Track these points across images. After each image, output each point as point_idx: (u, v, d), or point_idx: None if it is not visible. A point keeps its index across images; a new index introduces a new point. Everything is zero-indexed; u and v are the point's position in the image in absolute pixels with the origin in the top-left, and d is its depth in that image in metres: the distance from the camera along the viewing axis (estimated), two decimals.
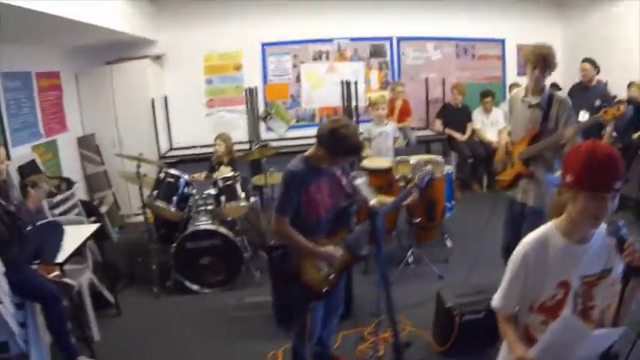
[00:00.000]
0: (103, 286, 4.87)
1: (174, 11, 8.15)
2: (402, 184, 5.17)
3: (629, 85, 7.05)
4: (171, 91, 8.37)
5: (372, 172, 5.44)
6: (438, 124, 8.57)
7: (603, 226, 1.95)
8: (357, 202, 3.14)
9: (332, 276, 3.19)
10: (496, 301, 2.20)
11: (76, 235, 4.27)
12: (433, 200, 5.38)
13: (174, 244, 5.20)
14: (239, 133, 8.28)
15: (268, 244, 4.47)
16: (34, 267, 3.68)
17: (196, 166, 6.79)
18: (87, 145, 7.48)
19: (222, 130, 6.72)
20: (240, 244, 5.40)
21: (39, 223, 4.18)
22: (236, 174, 5.54)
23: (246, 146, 7.99)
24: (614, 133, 6.34)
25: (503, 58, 9.26)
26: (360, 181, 2.70)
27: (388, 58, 8.96)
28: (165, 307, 5.09)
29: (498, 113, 8.28)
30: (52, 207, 5.17)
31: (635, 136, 6.57)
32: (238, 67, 8.57)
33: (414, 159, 5.64)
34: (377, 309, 2.51)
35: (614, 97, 6.98)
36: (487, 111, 8.37)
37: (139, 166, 5.24)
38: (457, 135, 8.36)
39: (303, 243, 3.07)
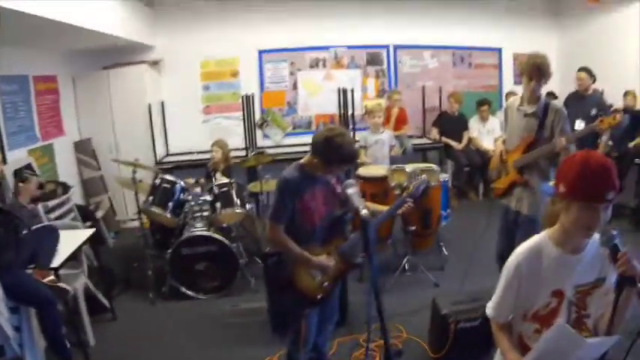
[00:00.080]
0: (98, 291, 4.87)
1: (172, 17, 8.17)
2: (397, 192, 5.17)
3: (625, 94, 7.10)
4: (168, 97, 8.38)
5: (368, 180, 5.46)
6: (435, 133, 8.59)
7: (597, 236, 1.95)
8: (351, 211, 3.14)
9: (326, 283, 3.19)
10: (490, 309, 2.20)
11: (71, 239, 4.27)
12: (429, 208, 5.39)
13: (169, 250, 5.19)
14: (235, 139, 8.27)
15: (264, 251, 4.48)
16: (29, 271, 3.67)
17: (192, 172, 6.79)
18: (83, 149, 7.49)
19: (218, 137, 6.73)
20: (236, 250, 5.39)
21: (34, 227, 4.18)
22: (232, 181, 5.55)
23: (243, 153, 7.99)
24: (610, 142, 6.39)
25: (499, 66, 9.31)
26: (352, 191, 2.70)
27: (385, 66, 8.99)
28: (160, 313, 5.08)
29: (495, 122, 8.32)
30: (48, 211, 5.16)
31: (631, 144, 6.61)
32: (235, 74, 8.59)
33: (409, 167, 5.65)
34: (367, 317, 2.50)
35: (610, 106, 7.01)
36: (483, 119, 8.40)
37: (134, 172, 5.24)
38: (453, 143, 8.38)
39: (297, 251, 3.08)
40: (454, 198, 7.87)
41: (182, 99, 8.43)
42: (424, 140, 8.81)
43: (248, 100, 8.35)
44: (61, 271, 3.96)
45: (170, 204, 5.35)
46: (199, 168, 6.78)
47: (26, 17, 3.82)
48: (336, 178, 3.23)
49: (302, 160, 3.15)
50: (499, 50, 9.25)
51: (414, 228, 5.36)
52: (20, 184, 3.57)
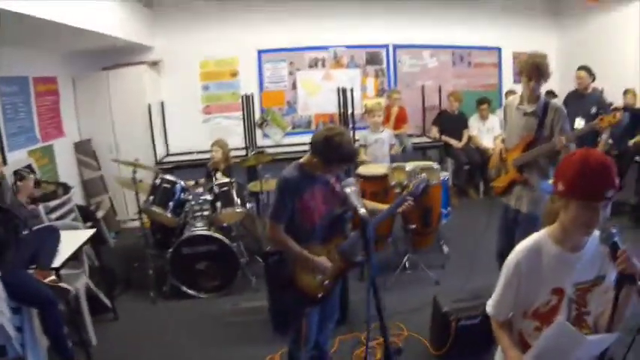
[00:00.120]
0: (99, 291, 4.88)
1: (171, 17, 8.18)
2: (397, 190, 5.19)
3: (625, 92, 7.11)
4: (168, 97, 8.39)
5: (368, 179, 5.47)
6: (435, 131, 8.60)
7: (597, 233, 1.94)
8: (350, 210, 3.15)
9: (327, 282, 3.20)
10: (490, 307, 2.21)
11: (72, 239, 4.28)
12: (429, 207, 5.39)
13: (170, 250, 5.20)
14: (235, 139, 8.29)
15: (264, 250, 4.49)
16: (30, 272, 3.68)
17: (193, 172, 6.81)
18: (84, 150, 7.50)
19: (218, 137, 6.74)
20: (237, 249, 5.41)
21: (35, 227, 4.19)
22: (232, 180, 5.56)
23: (243, 153, 8.00)
24: (610, 140, 6.39)
25: (499, 65, 9.31)
26: (350, 190, 2.71)
27: (384, 65, 9.00)
28: (161, 312, 5.09)
29: (494, 120, 8.34)
30: (49, 212, 5.18)
31: (631, 142, 6.61)
32: (234, 74, 8.61)
33: (409, 166, 5.65)
34: (366, 315, 2.50)
35: (610, 104, 7.02)
36: (483, 118, 8.42)
37: (134, 172, 5.26)
38: (453, 142, 8.39)
39: (297, 250, 3.08)
40: (454, 196, 7.88)
41: (182, 99, 8.44)
42: (424, 139, 8.82)
43: (248, 100, 8.36)
44: (63, 271, 3.97)
45: (170, 204, 5.35)
46: (199, 168, 6.78)
47: (26, 18, 3.84)
48: (336, 177, 3.24)
49: (301, 160, 3.16)
50: (498, 49, 9.25)
51: (414, 226, 5.37)
52: (18, 183, 3.58)
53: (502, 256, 2.15)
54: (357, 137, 7.01)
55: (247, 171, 7.22)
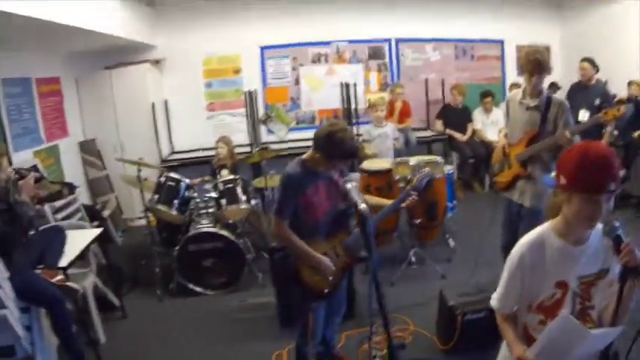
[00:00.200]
0: (107, 289, 4.91)
1: (173, 16, 8.18)
2: (402, 185, 5.19)
3: (629, 83, 7.07)
4: (171, 95, 8.41)
5: (373, 174, 5.47)
6: (439, 125, 8.59)
7: (600, 226, 1.94)
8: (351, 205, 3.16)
9: (332, 277, 3.21)
10: (494, 300, 2.21)
11: (79, 239, 4.31)
12: (434, 201, 5.39)
13: (176, 247, 5.23)
14: (240, 136, 8.32)
15: (270, 246, 4.51)
16: (38, 271, 3.71)
17: (198, 169, 6.82)
18: (88, 149, 7.53)
19: (222, 134, 6.76)
20: (243, 246, 5.42)
21: (41, 228, 4.22)
22: (237, 177, 5.58)
23: (248, 149, 8.01)
24: (615, 132, 6.37)
25: (502, 58, 9.28)
26: (351, 185, 2.71)
27: (387, 59, 8.99)
28: (168, 310, 5.12)
29: (498, 113, 8.30)
30: (55, 212, 5.20)
31: (636, 134, 6.59)
32: (237, 71, 8.61)
33: (413, 160, 5.66)
34: (369, 311, 2.51)
35: (614, 95, 7.00)
36: (487, 111, 8.39)
37: (139, 170, 5.28)
38: (458, 135, 8.37)
39: (301, 246, 3.10)
40: (460, 190, 7.88)
41: (185, 97, 8.46)
42: (428, 133, 8.81)
43: (251, 97, 8.37)
44: (70, 271, 3.99)
45: (176, 201, 5.38)
46: (204, 165, 6.80)
47: (27, 20, 3.84)
48: (340, 173, 3.25)
49: (304, 156, 3.17)
50: (501, 42, 9.21)
51: (419, 220, 5.36)
52: (19, 182, 3.60)
53: (506, 250, 2.15)
54: (360, 132, 7.02)
55: (252, 167, 7.24)
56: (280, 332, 4.36)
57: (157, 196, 5.38)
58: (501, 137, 4.39)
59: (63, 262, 3.87)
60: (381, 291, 2.23)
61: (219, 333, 4.57)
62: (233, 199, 5.42)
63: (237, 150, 6.70)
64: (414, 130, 8.37)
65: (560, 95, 6.66)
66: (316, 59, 8.80)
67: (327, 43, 8.77)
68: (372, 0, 8.56)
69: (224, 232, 5.28)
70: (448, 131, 8.45)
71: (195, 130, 8.44)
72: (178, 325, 4.78)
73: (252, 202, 5.64)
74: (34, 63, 6.32)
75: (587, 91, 6.63)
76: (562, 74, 8.34)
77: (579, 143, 1.98)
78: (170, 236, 5.73)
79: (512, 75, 9.15)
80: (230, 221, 5.61)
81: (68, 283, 3.76)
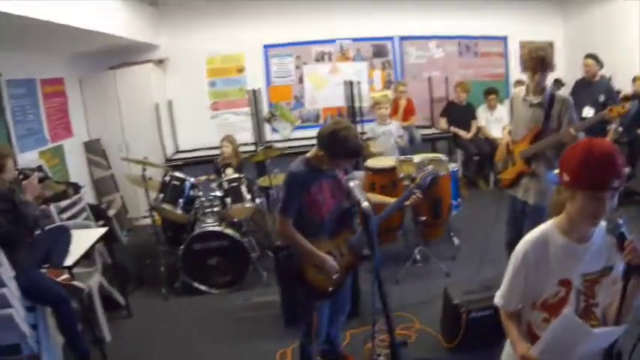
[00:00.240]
0: (113, 288, 4.94)
1: (176, 15, 8.19)
2: (406, 183, 5.19)
3: (634, 79, 7.04)
4: (176, 95, 8.42)
5: (377, 172, 5.47)
6: (443, 123, 8.57)
7: (604, 223, 1.93)
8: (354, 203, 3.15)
9: (336, 275, 3.21)
10: (498, 298, 2.20)
11: (84, 238, 4.33)
12: (438, 198, 5.39)
13: (181, 246, 5.25)
14: (244, 134, 8.33)
15: (275, 245, 4.51)
16: (43, 271, 3.73)
17: (202, 168, 6.83)
18: (93, 149, 7.55)
19: (227, 132, 6.77)
20: (248, 244, 5.44)
21: (47, 227, 4.24)
22: (241, 175, 5.59)
23: (252, 148, 8.02)
24: (620, 129, 6.34)
25: (505, 55, 9.24)
26: (354, 183, 2.71)
27: (391, 57, 8.97)
28: (174, 308, 5.14)
29: (502, 110, 8.28)
30: (60, 211, 5.22)
31: None
32: (241, 70, 8.62)
33: (417, 158, 5.66)
34: (372, 309, 2.51)
35: (618, 91, 6.98)
36: (491, 108, 8.37)
37: (144, 170, 5.29)
38: (462, 133, 8.36)
39: (305, 245, 3.10)
40: (464, 187, 7.87)
41: (189, 96, 8.47)
42: (433, 130, 8.78)
43: (255, 95, 8.38)
44: (76, 270, 4.02)
45: (180, 200, 5.39)
46: (209, 164, 6.81)
47: (31, 22, 3.85)
48: (344, 171, 3.25)
49: (308, 154, 3.17)
50: (504, 39, 9.17)
51: (424, 218, 5.36)
52: (23, 182, 3.62)
53: (511, 247, 2.15)
54: (365, 130, 7.01)
55: (256, 166, 7.25)
56: (285, 331, 4.37)
57: (161, 195, 5.39)
58: (505, 134, 4.39)
59: (68, 262, 3.90)
60: (384, 289, 2.22)
61: (224, 331, 4.59)
62: (238, 197, 5.43)
63: (242, 149, 6.71)
64: (418, 127, 8.36)
65: (565, 92, 6.63)
66: (320, 57, 8.80)
67: (331, 42, 8.76)
68: None
69: (229, 231, 5.29)
70: (452, 129, 8.43)
71: (200, 130, 8.46)
72: (183, 324, 4.79)
73: (257, 200, 5.65)
74: (38, 64, 6.34)
75: (592, 87, 6.61)
76: (566, 71, 8.32)
77: (583, 140, 1.97)
78: (175, 235, 5.74)
79: (515, 72, 9.10)
80: (235, 220, 5.63)
81: (73, 282, 3.78)
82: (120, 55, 7.68)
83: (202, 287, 5.33)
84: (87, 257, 4.41)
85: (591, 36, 8.30)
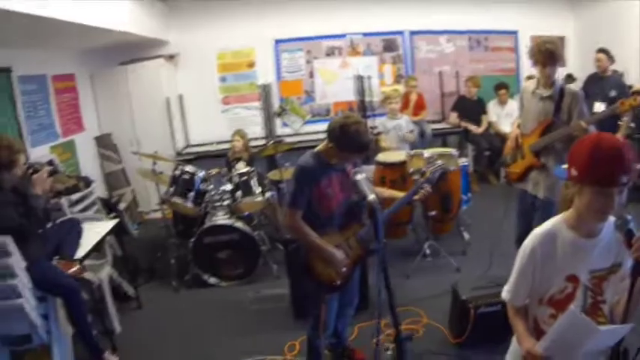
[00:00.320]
0: (123, 281, 4.98)
1: (186, 11, 8.20)
2: (416, 177, 5.18)
3: None
4: (186, 90, 8.45)
5: (387, 166, 5.47)
6: (454, 117, 8.53)
7: (613, 219, 1.91)
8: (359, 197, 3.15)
9: (345, 269, 3.22)
10: (506, 292, 2.19)
11: (95, 231, 4.38)
12: (448, 193, 5.38)
13: (192, 239, 5.27)
14: (255, 129, 8.36)
15: (285, 238, 4.53)
16: (54, 262, 3.77)
17: (213, 162, 6.86)
18: (105, 144, 7.60)
19: (238, 127, 6.80)
20: (258, 237, 5.46)
21: (59, 220, 4.28)
22: (251, 169, 5.60)
23: (263, 142, 8.04)
24: (632, 124, 6.30)
25: (516, 49, 9.17)
26: (361, 177, 2.71)
27: (401, 52, 8.94)
28: (184, 301, 5.17)
29: (513, 105, 8.22)
30: (72, 205, 5.26)
31: None
32: (251, 65, 8.63)
33: (428, 152, 5.65)
34: (377, 302, 2.51)
35: (630, 87, 6.92)
36: (502, 103, 8.32)
37: (154, 164, 5.33)
38: (473, 127, 8.32)
39: (313, 239, 3.10)
40: (475, 182, 7.85)
41: (200, 91, 8.50)
42: (443, 125, 8.77)
43: (266, 90, 8.39)
44: (87, 262, 4.07)
45: (191, 194, 5.41)
46: (220, 158, 6.84)
47: (42, 20, 3.87)
48: (353, 164, 3.25)
49: (318, 148, 3.17)
50: (515, 33, 9.09)
51: (434, 213, 5.36)
52: (33, 176, 3.66)
53: (521, 241, 2.15)
54: (375, 124, 7.01)
55: (267, 160, 7.26)
56: (294, 324, 4.39)
57: (172, 189, 5.42)
58: (514, 128, 4.37)
59: (79, 254, 3.95)
60: (389, 282, 2.22)
61: (234, 324, 4.61)
62: (248, 191, 5.45)
63: (252, 143, 6.73)
64: (429, 122, 8.34)
65: (576, 87, 6.59)
66: (330, 52, 8.79)
67: (341, 36, 8.75)
68: None
69: (239, 224, 5.31)
70: (463, 123, 8.39)
71: (211, 124, 8.49)
72: (193, 316, 4.83)
73: (268, 194, 5.66)
74: (49, 60, 6.38)
75: (603, 82, 6.57)
76: (577, 65, 8.26)
77: (591, 135, 1.95)
78: (186, 228, 5.77)
79: (526, 66, 9.01)
80: (245, 213, 5.65)
81: (84, 274, 3.82)
82: (131, 50, 7.70)
83: (212, 280, 5.36)
84: (98, 250, 4.46)
85: (603, 31, 8.20)
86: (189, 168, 5.56)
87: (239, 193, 5.42)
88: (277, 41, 8.62)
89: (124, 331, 4.55)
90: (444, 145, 8.42)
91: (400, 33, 8.87)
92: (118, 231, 4.97)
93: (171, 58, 8.23)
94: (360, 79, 8.44)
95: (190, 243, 5.28)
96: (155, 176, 5.39)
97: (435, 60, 9.04)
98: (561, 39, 8.14)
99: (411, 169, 5.36)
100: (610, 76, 6.64)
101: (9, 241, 3.33)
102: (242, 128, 6.66)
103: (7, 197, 3.49)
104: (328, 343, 3.63)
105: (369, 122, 7.80)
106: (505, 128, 8.09)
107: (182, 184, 5.42)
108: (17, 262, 3.39)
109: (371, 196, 2.47)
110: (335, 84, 8.84)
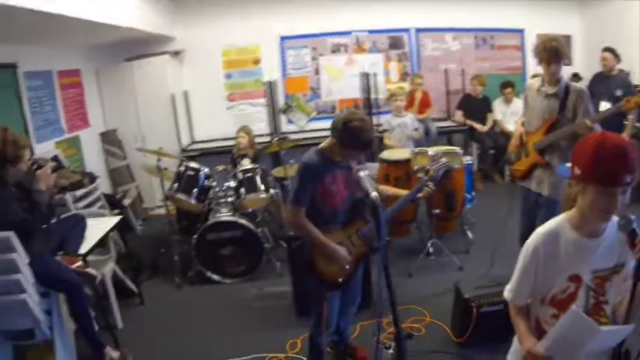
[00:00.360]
0: (126, 277, 4.99)
1: (192, 7, 8.20)
2: (420, 175, 5.17)
3: None
4: (192, 86, 8.45)
5: (391, 164, 5.46)
6: (459, 115, 8.51)
7: (617, 219, 1.90)
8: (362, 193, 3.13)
9: (347, 266, 3.21)
10: (508, 291, 2.19)
11: (99, 227, 4.39)
12: (452, 191, 5.36)
13: (195, 236, 5.28)
14: (260, 125, 8.36)
15: (288, 235, 4.53)
16: (58, 258, 3.78)
17: (218, 159, 6.86)
18: (110, 140, 7.61)
19: (243, 123, 6.80)
20: (261, 234, 5.46)
21: (63, 216, 4.29)
22: (255, 166, 5.60)
23: (268, 139, 8.04)
24: (638, 123, 6.27)
25: (522, 48, 9.12)
26: (364, 173, 2.70)
27: (407, 49, 8.92)
28: (186, 297, 5.19)
29: (519, 104, 8.14)
30: (76, 200, 5.27)
31: None
32: (257, 61, 8.62)
33: (432, 150, 5.64)
34: (377, 301, 2.50)
35: (636, 86, 6.89)
36: (508, 101, 8.29)
37: (159, 160, 5.33)
38: (478, 126, 8.29)
39: (316, 235, 3.09)
40: (479, 181, 7.83)
41: (205, 88, 8.50)
42: (449, 123, 8.73)
43: (271, 87, 8.39)
44: (90, 257, 4.08)
45: (195, 190, 5.41)
46: (225, 155, 6.84)
47: (48, 16, 3.88)
48: (357, 161, 3.24)
49: (322, 145, 3.17)
50: (521, 31, 9.05)
51: (438, 211, 5.35)
52: (37, 172, 3.67)
53: (524, 239, 2.14)
54: (380, 122, 7.00)
55: (272, 157, 7.26)
56: (296, 321, 4.39)
57: (176, 185, 5.42)
58: (518, 125, 4.34)
59: (83, 249, 3.96)
60: (390, 280, 2.22)
61: (236, 321, 4.62)
62: (252, 187, 5.45)
63: (257, 140, 6.72)
64: (434, 120, 8.32)
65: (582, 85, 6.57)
66: (336, 49, 8.77)
67: (347, 33, 8.73)
68: None
69: (242, 221, 5.32)
70: (468, 122, 8.36)
71: (216, 120, 8.49)
72: (196, 313, 4.84)
73: (272, 191, 5.66)
74: (55, 56, 6.39)
75: (609, 81, 6.54)
76: (583, 65, 8.22)
77: (595, 133, 1.94)
78: (189, 225, 5.77)
79: (532, 65, 8.96)
80: (249, 210, 5.65)
81: (87, 269, 3.83)
82: (136, 46, 7.71)
83: (215, 277, 5.37)
84: (101, 245, 4.47)
85: (609, 29, 8.15)
86: (193, 164, 5.56)
87: (243, 190, 5.42)
88: (283, 38, 8.61)
89: (127, 326, 4.57)
90: (450, 143, 8.40)
91: (406, 30, 8.84)
92: (122, 227, 4.97)
93: (176, 54, 8.24)
94: (365, 76, 8.42)
95: (194, 239, 5.28)
96: (159, 172, 5.40)
97: (441, 58, 9.01)
98: (567, 38, 8.11)
99: (416, 167, 5.35)
100: (616, 75, 6.61)
101: (12, 237, 3.34)
102: (247, 125, 6.64)
103: (11, 192, 3.50)
104: (330, 341, 3.63)
105: (374, 120, 7.79)
106: (510, 127, 8.04)
107: (186, 181, 5.42)
108: (20, 257, 3.40)
109: (373, 193, 2.46)
110: (340, 81, 8.82)
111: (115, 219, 4.73)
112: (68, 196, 5.08)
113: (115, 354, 3.95)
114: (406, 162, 5.46)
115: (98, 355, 3.87)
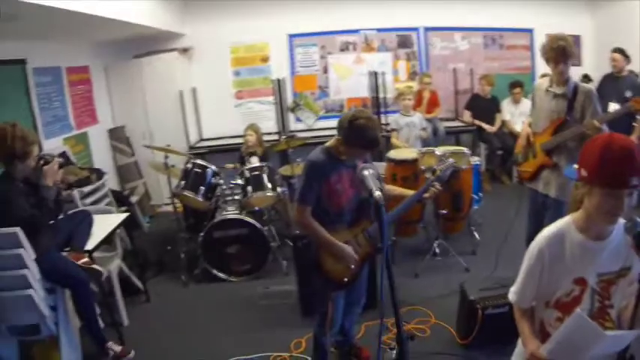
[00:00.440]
0: (132, 274, 5.00)
1: (201, 5, 8.21)
2: (427, 175, 5.15)
3: None
4: (200, 83, 8.47)
5: (399, 163, 5.45)
6: (467, 115, 8.47)
7: (623, 222, 1.87)
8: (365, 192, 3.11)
9: (353, 266, 3.20)
10: (512, 294, 2.18)
11: (106, 223, 4.39)
12: (459, 192, 5.34)
13: (202, 233, 5.28)
14: (268, 124, 8.36)
15: (294, 234, 4.52)
16: (64, 254, 3.80)
17: (226, 156, 6.87)
18: (117, 136, 7.63)
19: (251, 121, 6.80)
20: (268, 233, 5.46)
21: (70, 211, 4.31)
22: (263, 164, 5.60)
23: (276, 137, 8.04)
24: None
25: (531, 48, 9.05)
26: (368, 172, 2.68)
27: (415, 48, 8.89)
28: (192, 295, 5.19)
29: (527, 104, 8.08)
30: (83, 197, 5.29)
31: None
32: (265, 59, 8.63)
33: (440, 150, 5.62)
34: (380, 302, 2.49)
35: None
36: (516, 102, 8.24)
37: (166, 157, 5.34)
38: (486, 126, 8.25)
39: (322, 234, 3.09)
40: (487, 182, 7.80)
41: (214, 85, 8.52)
42: (457, 123, 8.70)
43: (280, 85, 8.39)
44: (97, 254, 4.09)
45: (202, 188, 5.40)
46: (233, 152, 6.85)
47: (57, 12, 3.89)
48: (364, 160, 3.23)
49: (328, 143, 3.16)
50: (530, 31, 8.99)
51: (445, 211, 5.33)
52: (44, 168, 3.68)
53: (531, 241, 2.13)
54: (388, 121, 6.98)
55: (279, 155, 7.26)
56: (301, 321, 4.39)
57: (183, 183, 5.42)
58: (525, 126, 4.32)
59: (89, 245, 3.97)
60: (393, 280, 2.20)
61: (241, 319, 4.62)
62: (259, 186, 5.44)
63: (265, 138, 6.72)
64: (442, 120, 8.29)
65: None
66: (344, 47, 8.77)
67: (356, 32, 8.72)
68: None
69: (249, 219, 5.31)
70: (477, 122, 8.32)
71: (224, 118, 8.50)
72: (201, 311, 4.85)
73: (279, 189, 5.65)
74: (64, 52, 6.42)
75: (618, 82, 6.50)
76: (593, 65, 8.15)
77: (602, 135, 1.92)
78: (196, 222, 5.79)
79: (541, 65, 8.90)
80: (256, 208, 5.65)
81: (93, 265, 3.84)
82: (145, 43, 7.74)
83: (221, 275, 5.37)
84: (108, 242, 4.48)
85: (619, 30, 8.08)
86: (200, 162, 5.57)
87: (250, 188, 5.41)
88: (291, 36, 8.61)
89: (132, 324, 4.59)
90: (457, 143, 8.35)
91: (415, 29, 8.81)
92: (128, 224, 4.99)
93: (185, 51, 8.25)
94: (374, 75, 8.41)
95: (200, 237, 5.29)
96: (167, 169, 5.40)
97: (450, 57, 8.98)
98: (577, 38, 8.06)
99: (423, 167, 5.34)
100: (626, 76, 6.57)
101: (19, 232, 3.36)
102: (255, 122, 6.64)
103: (19, 188, 3.51)
104: (334, 341, 3.62)
105: (382, 119, 7.78)
106: (519, 127, 7.95)
107: (193, 178, 5.42)
108: (27, 253, 3.41)
109: (376, 193, 2.44)
110: (349, 80, 8.82)
111: (122, 216, 4.74)
112: (76, 193, 5.10)
113: (118, 348, 3.96)
114: (414, 162, 5.43)
115: (101, 349, 3.89)
